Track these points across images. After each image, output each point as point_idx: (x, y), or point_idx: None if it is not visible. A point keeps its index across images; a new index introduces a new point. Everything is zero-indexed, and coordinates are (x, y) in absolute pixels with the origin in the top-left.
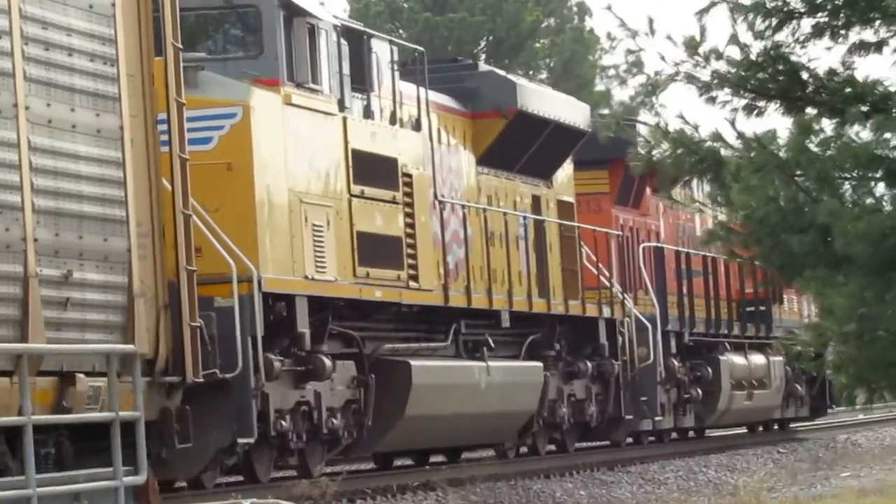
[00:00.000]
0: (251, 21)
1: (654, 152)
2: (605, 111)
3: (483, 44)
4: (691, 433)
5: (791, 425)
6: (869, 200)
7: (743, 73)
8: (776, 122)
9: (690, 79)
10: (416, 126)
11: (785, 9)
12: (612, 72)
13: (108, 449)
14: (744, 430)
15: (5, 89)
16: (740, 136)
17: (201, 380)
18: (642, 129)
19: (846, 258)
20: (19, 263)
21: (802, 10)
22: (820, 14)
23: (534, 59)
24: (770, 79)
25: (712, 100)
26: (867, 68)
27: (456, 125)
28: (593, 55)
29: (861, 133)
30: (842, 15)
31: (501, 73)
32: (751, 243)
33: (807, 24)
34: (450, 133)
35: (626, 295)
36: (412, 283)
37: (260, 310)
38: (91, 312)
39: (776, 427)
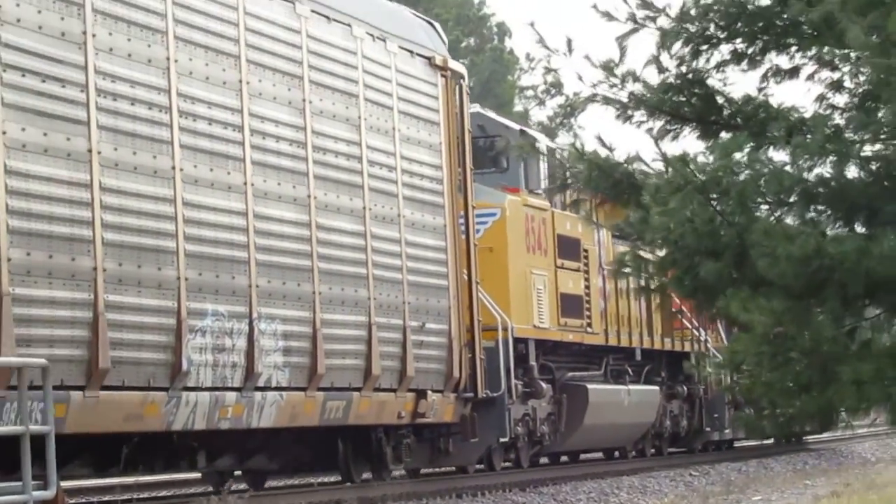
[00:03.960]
0: (501, 147)
1: (569, 174)
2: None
3: None
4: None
5: (804, 437)
6: (787, 221)
7: (660, 96)
8: (691, 145)
9: (608, 101)
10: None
11: (705, 34)
12: (530, 92)
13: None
14: (770, 441)
15: (395, 205)
16: (663, 156)
17: (485, 396)
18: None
19: (763, 281)
20: (399, 318)
21: (721, 37)
22: (738, 40)
23: None
24: (686, 102)
25: (629, 119)
26: (780, 95)
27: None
28: (513, 75)
29: (775, 157)
30: (758, 40)
31: None
32: (666, 266)
33: (725, 49)
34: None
35: (706, 334)
36: (588, 329)
37: (511, 349)
38: (432, 349)
39: (794, 440)
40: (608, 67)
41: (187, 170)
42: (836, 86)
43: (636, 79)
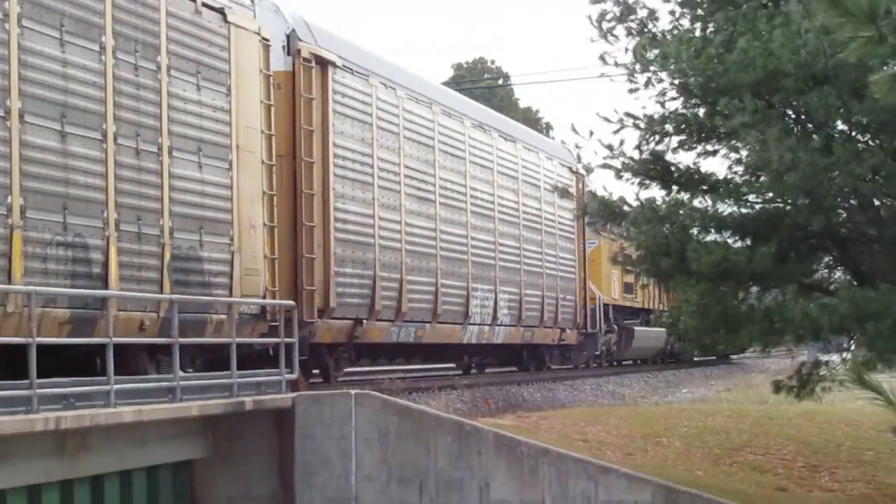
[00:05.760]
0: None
1: (587, 207)
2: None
3: None
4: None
5: (727, 356)
6: (708, 239)
7: (639, 166)
8: (656, 193)
9: (609, 167)
10: None
11: (662, 130)
12: None
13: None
14: (714, 357)
15: (555, 240)
16: (639, 200)
17: (590, 332)
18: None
19: (693, 273)
20: (555, 293)
21: (672, 132)
22: (682, 134)
23: None
24: (653, 169)
25: (621, 177)
26: (706, 166)
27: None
28: None
29: (700, 202)
30: (694, 135)
31: None
32: (638, 262)
33: (675, 139)
34: None
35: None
36: (634, 299)
37: (601, 309)
38: (568, 307)
39: (719, 357)
40: (610, 147)
41: (473, 222)
42: (738, 161)
43: (625, 155)
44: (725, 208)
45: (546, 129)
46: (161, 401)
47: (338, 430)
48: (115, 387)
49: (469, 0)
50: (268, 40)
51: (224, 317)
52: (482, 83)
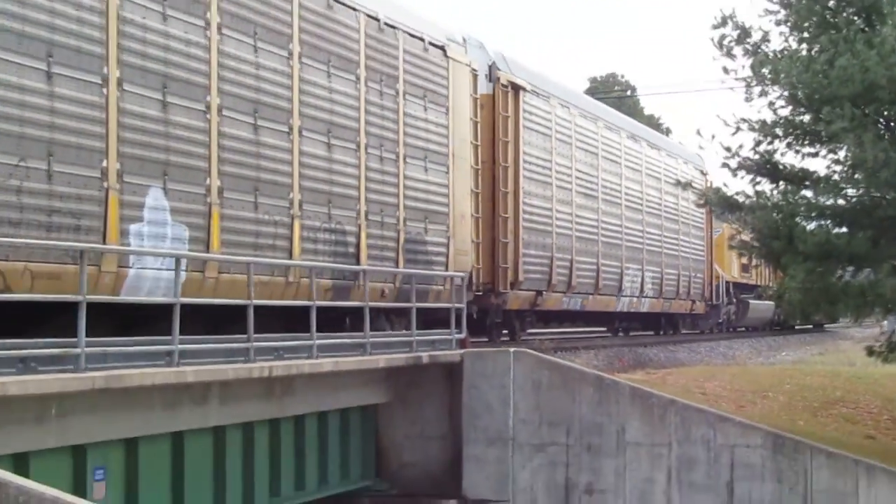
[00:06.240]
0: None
1: (708, 198)
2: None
3: None
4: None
5: (823, 325)
6: (811, 226)
7: (751, 163)
8: (766, 187)
9: (727, 166)
10: None
11: (772, 132)
12: None
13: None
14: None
15: (689, 228)
16: (755, 192)
17: (714, 304)
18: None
19: (800, 252)
20: (688, 272)
21: (780, 134)
22: (790, 137)
23: None
24: (764, 167)
25: (736, 174)
26: (809, 164)
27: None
28: None
29: (806, 193)
30: (800, 138)
31: None
32: (751, 245)
33: (783, 143)
34: None
35: None
36: (749, 277)
37: (724, 285)
38: (697, 284)
39: (816, 326)
40: (728, 149)
41: (626, 214)
42: (836, 161)
43: (741, 156)
44: (826, 200)
45: (666, 133)
46: (353, 354)
47: (498, 382)
48: (317, 342)
49: (604, 21)
50: (476, 70)
51: (441, 287)
52: (612, 94)
